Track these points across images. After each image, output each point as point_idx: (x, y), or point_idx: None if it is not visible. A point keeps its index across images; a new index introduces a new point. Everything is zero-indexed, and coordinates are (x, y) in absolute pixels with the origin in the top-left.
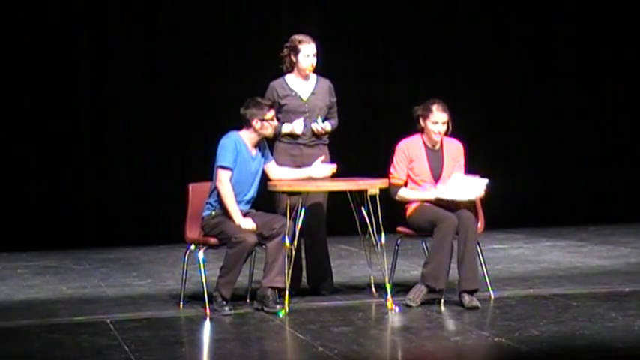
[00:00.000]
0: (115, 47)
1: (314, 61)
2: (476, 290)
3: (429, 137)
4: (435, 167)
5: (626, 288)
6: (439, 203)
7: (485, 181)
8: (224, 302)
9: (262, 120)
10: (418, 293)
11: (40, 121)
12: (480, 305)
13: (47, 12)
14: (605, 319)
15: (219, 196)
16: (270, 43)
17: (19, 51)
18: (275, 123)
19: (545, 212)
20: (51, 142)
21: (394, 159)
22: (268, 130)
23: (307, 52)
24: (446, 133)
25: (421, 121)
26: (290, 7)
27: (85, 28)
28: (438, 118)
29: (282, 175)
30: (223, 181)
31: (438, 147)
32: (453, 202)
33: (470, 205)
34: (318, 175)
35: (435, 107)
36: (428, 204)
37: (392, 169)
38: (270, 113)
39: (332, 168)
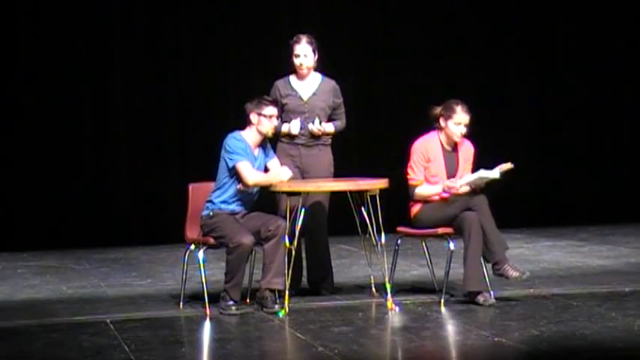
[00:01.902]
0: (115, 47)
1: (304, 61)
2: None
3: (449, 137)
4: (450, 168)
5: (626, 288)
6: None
7: (507, 164)
8: (232, 302)
9: (260, 114)
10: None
11: (40, 120)
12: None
13: (47, 12)
14: (605, 319)
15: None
16: (270, 43)
17: (20, 51)
18: (275, 122)
19: (545, 212)
20: (51, 142)
21: (412, 159)
22: (265, 127)
23: (297, 52)
24: (464, 135)
25: (442, 120)
26: (290, 6)
27: (85, 28)
28: (461, 119)
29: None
30: (248, 173)
31: (452, 148)
32: (475, 184)
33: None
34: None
35: (459, 108)
36: (432, 201)
37: (409, 170)
38: (270, 109)
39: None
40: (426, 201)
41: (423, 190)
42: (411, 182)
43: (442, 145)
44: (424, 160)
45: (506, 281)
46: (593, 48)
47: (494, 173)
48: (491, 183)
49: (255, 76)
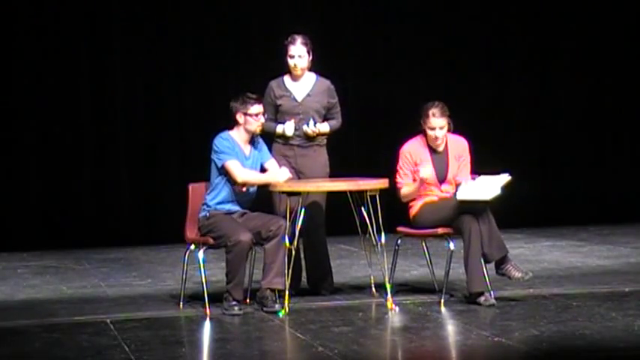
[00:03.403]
0: (115, 47)
1: (299, 62)
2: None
3: (430, 140)
4: (439, 169)
5: (626, 288)
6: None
7: (506, 176)
8: (234, 302)
9: (245, 114)
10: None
11: (40, 120)
12: (495, 303)
13: (48, 12)
14: (605, 319)
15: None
16: (270, 43)
17: (20, 51)
18: (262, 119)
19: (545, 212)
20: (51, 142)
21: (399, 163)
22: (252, 126)
23: (292, 53)
24: (448, 130)
25: (422, 123)
26: (290, 7)
27: (85, 29)
28: (434, 124)
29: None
30: (237, 171)
31: (442, 148)
32: (472, 201)
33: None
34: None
35: (431, 112)
36: (431, 201)
37: (397, 174)
38: (255, 108)
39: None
40: (425, 201)
41: (405, 190)
42: (397, 186)
43: (429, 146)
44: (410, 164)
45: (508, 281)
46: (594, 48)
47: (495, 190)
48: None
49: (255, 76)
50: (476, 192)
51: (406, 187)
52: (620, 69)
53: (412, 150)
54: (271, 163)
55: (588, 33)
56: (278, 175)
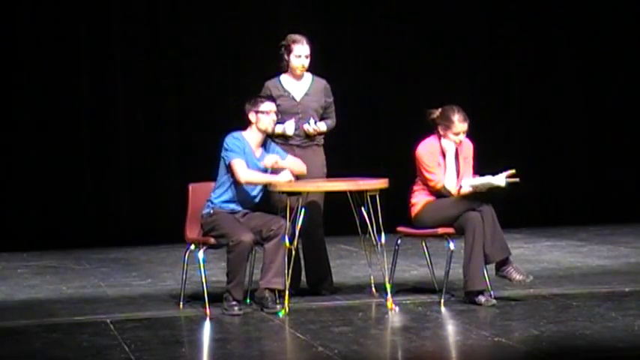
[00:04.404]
0: (115, 47)
1: (305, 62)
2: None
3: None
4: None
5: (626, 288)
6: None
7: (510, 172)
8: (234, 302)
9: (257, 112)
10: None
11: (40, 120)
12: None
13: (48, 12)
14: (605, 319)
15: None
16: (269, 43)
17: (20, 50)
18: (274, 117)
19: (545, 212)
20: (51, 142)
21: (425, 163)
22: (264, 123)
23: (299, 53)
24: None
25: (440, 130)
26: (290, 7)
27: (85, 28)
28: (460, 129)
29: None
30: (241, 171)
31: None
32: (486, 188)
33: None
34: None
35: (456, 118)
36: (434, 201)
37: (430, 175)
38: (266, 105)
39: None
40: (428, 201)
41: (448, 183)
42: (436, 185)
43: (442, 149)
44: (436, 162)
45: (508, 282)
46: (594, 47)
47: (501, 181)
48: (495, 190)
49: (255, 76)
50: (485, 180)
51: (448, 179)
52: (620, 68)
53: (430, 150)
54: (289, 159)
55: (587, 34)
56: (280, 175)
